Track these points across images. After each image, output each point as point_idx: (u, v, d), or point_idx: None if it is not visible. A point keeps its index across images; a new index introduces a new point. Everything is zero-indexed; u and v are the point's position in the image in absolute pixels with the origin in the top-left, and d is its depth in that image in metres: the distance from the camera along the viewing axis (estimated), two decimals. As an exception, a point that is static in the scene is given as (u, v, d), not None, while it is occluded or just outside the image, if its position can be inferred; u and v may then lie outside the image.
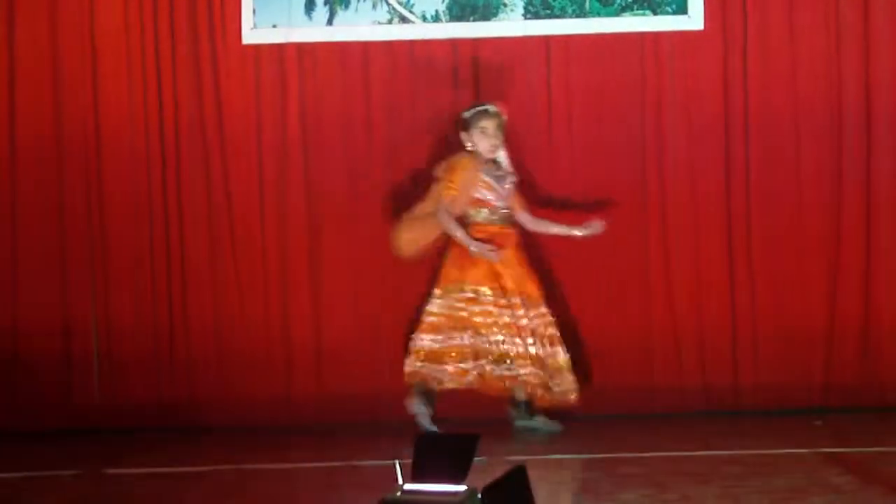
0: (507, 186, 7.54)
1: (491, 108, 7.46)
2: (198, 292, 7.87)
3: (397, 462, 5.88)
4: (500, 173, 7.55)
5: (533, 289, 7.46)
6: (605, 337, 7.80)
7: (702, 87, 7.79)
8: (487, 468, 5.68)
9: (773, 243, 7.81)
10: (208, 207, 7.87)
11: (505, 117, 7.43)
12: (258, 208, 7.87)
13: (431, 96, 7.80)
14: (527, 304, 7.39)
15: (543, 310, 7.44)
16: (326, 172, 7.84)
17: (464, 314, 7.33)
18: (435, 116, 7.73)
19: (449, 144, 7.55)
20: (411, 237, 7.49)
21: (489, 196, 7.47)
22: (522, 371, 7.31)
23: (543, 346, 7.37)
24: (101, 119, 7.81)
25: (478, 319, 7.33)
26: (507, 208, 7.50)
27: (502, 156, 7.54)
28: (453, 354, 7.32)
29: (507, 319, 7.33)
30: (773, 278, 7.82)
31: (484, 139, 7.46)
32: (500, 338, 7.31)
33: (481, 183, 7.46)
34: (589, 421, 7.61)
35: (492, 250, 7.34)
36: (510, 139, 7.60)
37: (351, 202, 7.83)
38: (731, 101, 7.77)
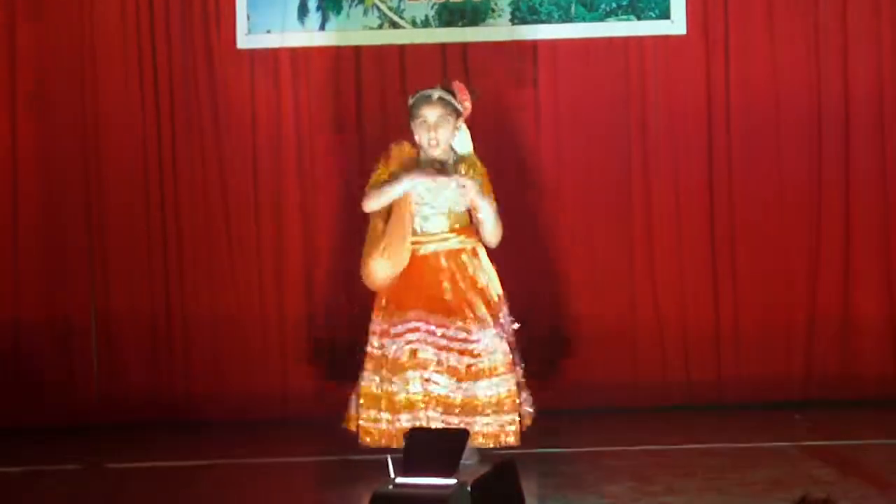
0: (445, 197, 6.39)
1: (436, 92, 6.40)
2: (195, 288, 7.92)
3: (389, 456, 6.05)
4: (442, 178, 6.37)
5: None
6: (589, 332, 7.89)
7: (685, 89, 7.86)
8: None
9: (754, 240, 7.90)
10: (205, 207, 7.89)
11: (464, 104, 6.46)
12: (253, 208, 7.92)
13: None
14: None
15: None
16: (319, 173, 7.91)
17: None
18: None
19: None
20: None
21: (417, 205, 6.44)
22: None
23: None
24: (100, 121, 7.87)
25: None
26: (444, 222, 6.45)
27: (459, 154, 6.51)
28: None
29: None
30: (755, 274, 7.91)
31: (422, 131, 6.37)
32: None
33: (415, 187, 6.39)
34: (573, 415, 7.64)
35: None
36: (497, 142, 7.65)
37: (343, 202, 7.77)
38: (714, 103, 7.85)
